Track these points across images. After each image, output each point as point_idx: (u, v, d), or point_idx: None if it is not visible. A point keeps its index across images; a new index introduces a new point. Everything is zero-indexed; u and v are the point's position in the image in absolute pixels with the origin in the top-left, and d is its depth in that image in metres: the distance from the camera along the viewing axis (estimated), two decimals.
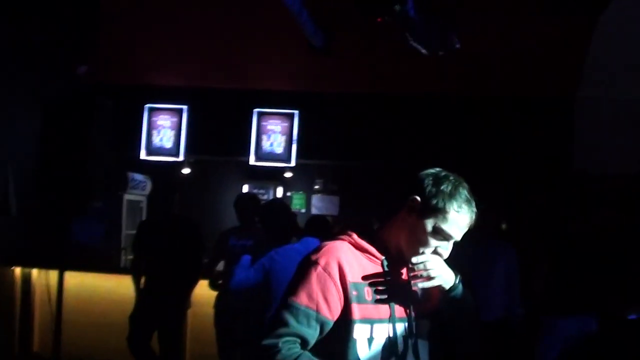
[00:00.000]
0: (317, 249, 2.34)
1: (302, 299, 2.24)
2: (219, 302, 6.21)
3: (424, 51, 4.94)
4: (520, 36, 7.04)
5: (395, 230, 2.38)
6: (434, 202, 2.29)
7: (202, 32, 7.64)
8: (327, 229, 5.23)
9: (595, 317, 5.94)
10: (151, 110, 8.68)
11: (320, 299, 2.24)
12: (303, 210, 10.85)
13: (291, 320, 2.22)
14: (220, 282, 6.22)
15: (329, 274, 2.26)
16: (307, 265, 2.30)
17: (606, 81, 7.48)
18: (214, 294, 6.27)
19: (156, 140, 8.64)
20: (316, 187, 11.40)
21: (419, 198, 2.30)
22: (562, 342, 6.06)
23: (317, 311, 2.23)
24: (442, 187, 2.30)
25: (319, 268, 2.27)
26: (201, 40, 7.76)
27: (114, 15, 7.51)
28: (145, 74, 8.56)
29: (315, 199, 11.26)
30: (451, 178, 2.34)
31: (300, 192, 11.36)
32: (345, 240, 2.37)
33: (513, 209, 7.76)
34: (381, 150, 8.44)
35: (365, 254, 2.36)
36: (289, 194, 11.33)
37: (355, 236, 2.38)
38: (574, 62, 7.42)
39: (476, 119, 8.27)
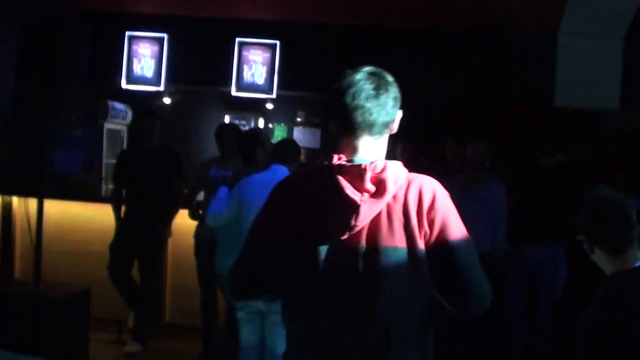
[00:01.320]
0: None
1: None
2: (198, 232, 6.25)
3: None
4: None
5: None
6: None
7: None
8: (297, 154, 5.05)
9: (561, 247, 6.07)
10: (131, 38, 8.57)
11: None
12: None
13: None
14: (200, 212, 6.25)
15: None
16: None
17: (587, 17, 7.43)
18: (194, 223, 6.30)
19: (137, 69, 8.56)
20: (298, 119, 11.36)
21: None
22: (527, 269, 6.19)
23: None
24: None
25: None
26: None
27: None
28: (126, 1, 8.42)
29: (297, 131, 11.23)
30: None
31: (282, 124, 11.32)
32: None
33: (498, 145, 7.76)
34: None
35: None
36: (270, 125, 11.29)
37: None
38: None
39: (460, 54, 8.22)
